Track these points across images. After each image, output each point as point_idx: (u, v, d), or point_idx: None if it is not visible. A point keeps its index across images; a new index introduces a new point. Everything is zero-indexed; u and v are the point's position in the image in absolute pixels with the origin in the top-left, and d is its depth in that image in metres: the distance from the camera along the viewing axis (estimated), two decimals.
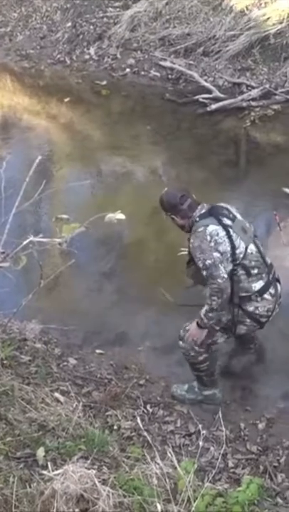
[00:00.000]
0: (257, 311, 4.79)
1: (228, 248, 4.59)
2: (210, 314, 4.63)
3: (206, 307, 4.63)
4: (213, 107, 9.64)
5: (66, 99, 10.39)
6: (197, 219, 4.67)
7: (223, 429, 4.38)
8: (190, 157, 8.74)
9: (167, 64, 10.67)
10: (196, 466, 3.84)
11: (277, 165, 8.44)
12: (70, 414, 4.40)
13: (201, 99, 9.85)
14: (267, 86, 9.92)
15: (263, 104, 9.69)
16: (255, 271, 4.73)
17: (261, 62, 10.34)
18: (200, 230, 4.61)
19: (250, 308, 4.78)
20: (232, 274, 4.66)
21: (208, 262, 4.53)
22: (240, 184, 8.04)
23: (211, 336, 4.82)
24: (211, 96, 9.86)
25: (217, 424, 4.76)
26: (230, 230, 4.62)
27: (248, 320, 4.83)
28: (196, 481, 3.85)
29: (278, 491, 4.27)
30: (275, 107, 9.67)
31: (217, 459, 4.35)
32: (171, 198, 4.81)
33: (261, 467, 4.51)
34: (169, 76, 10.62)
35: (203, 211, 4.71)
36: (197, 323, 4.75)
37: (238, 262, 4.64)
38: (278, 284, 4.91)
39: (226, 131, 9.39)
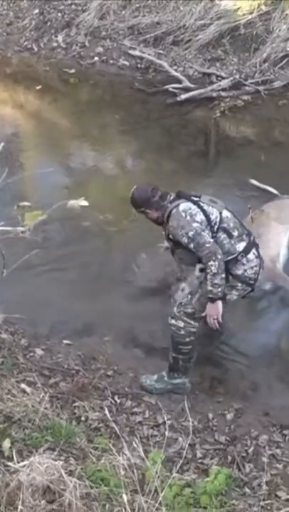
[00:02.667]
0: (246, 274, 4.95)
1: (203, 217, 4.84)
2: (215, 281, 4.74)
3: (209, 278, 4.75)
4: (183, 97, 9.63)
5: (38, 87, 10.28)
6: (168, 205, 4.93)
7: (191, 419, 4.38)
8: (159, 147, 8.72)
9: (136, 53, 10.62)
10: (163, 456, 3.85)
11: (247, 156, 8.47)
12: (36, 406, 4.37)
13: (170, 89, 9.83)
14: (237, 76, 9.93)
15: (233, 94, 9.70)
16: (236, 233, 4.94)
17: (231, 53, 10.34)
18: (173, 212, 4.88)
19: (239, 272, 4.93)
20: (214, 241, 4.82)
21: (190, 233, 4.77)
22: (210, 175, 8.06)
23: (204, 308, 4.91)
24: (180, 86, 9.84)
25: (185, 415, 4.76)
26: (200, 203, 4.91)
27: (239, 284, 4.97)
28: (163, 471, 3.86)
29: (246, 481, 4.28)
30: (245, 97, 9.68)
31: (185, 449, 4.35)
32: (142, 192, 5.07)
33: (229, 457, 4.52)
34: (138, 65, 10.57)
35: (171, 198, 4.98)
36: (210, 299, 4.82)
37: (216, 226, 4.86)
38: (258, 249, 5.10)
39: (196, 122, 9.39)
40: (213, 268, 4.71)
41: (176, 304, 5.01)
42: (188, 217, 4.81)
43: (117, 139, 8.89)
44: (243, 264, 4.92)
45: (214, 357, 5.60)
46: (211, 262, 4.71)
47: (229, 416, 4.94)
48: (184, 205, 4.87)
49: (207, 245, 4.72)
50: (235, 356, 5.59)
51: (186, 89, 9.76)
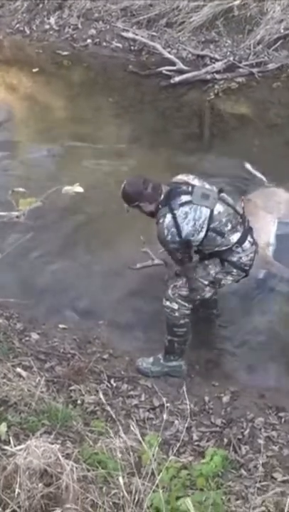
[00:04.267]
0: (241, 261, 4.94)
1: (190, 227, 4.75)
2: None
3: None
4: (177, 79, 9.57)
5: (34, 70, 10.20)
6: (160, 205, 4.85)
7: (188, 402, 4.39)
8: (153, 130, 8.68)
9: (129, 35, 10.53)
10: (160, 439, 3.85)
11: (241, 138, 8.44)
12: (32, 389, 4.38)
13: (164, 72, 9.77)
14: (231, 59, 9.85)
15: (227, 76, 9.64)
16: (228, 227, 4.86)
17: (225, 35, 10.26)
18: (160, 221, 4.80)
19: (234, 259, 4.92)
20: (205, 240, 4.81)
21: (168, 248, 4.90)
22: (204, 158, 8.01)
23: (200, 292, 4.96)
24: (174, 68, 9.77)
25: (181, 398, 4.79)
26: (187, 208, 4.74)
27: (234, 270, 4.97)
28: (160, 454, 3.87)
29: (242, 463, 4.31)
30: (239, 79, 9.63)
31: (181, 432, 4.38)
32: (134, 186, 4.96)
33: (225, 440, 4.55)
34: (132, 47, 10.49)
35: (162, 197, 4.85)
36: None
37: (205, 228, 4.76)
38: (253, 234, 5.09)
39: (190, 104, 9.34)
40: (179, 283, 4.96)
41: (171, 286, 5.01)
42: (169, 236, 4.75)
43: (111, 122, 8.85)
44: (238, 253, 4.90)
45: (210, 340, 5.61)
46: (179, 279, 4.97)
47: (225, 399, 4.96)
48: (168, 220, 4.75)
49: (182, 265, 4.92)
50: (231, 339, 5.61)
51: (180, 72, 9.70)
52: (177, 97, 9.46)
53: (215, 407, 4.89)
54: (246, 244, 4.92)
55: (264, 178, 6.96)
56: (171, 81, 9.58)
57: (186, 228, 4.73)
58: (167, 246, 4.85)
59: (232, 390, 5.05)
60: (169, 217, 4.74)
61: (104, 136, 8.54)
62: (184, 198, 4.78)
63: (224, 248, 4.86)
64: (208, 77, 9.66)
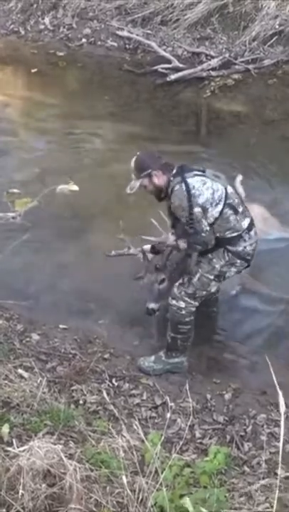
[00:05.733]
0: (245, 250, 4.94)
1: (209, 195, 4.71)
2: (189, 251, 4.94)
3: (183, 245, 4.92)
4: (173, 77, 9.60)
5: (33, 70, 10.21)
6: (172, 178, 4.77)
7: (190, 400, 4.40)
8: (150, 128, 8.70)
9: (124, 34, 10.56)
10: (163, 437, 3.86)
11: (238, 135, 8.47)
12: (34, 390, 4.38)
13: (160, 70, 9.79)
14: (226, 55, 9.89)
15: (223, 73, 9.67)
16: (241, 209, 4.89)
17: (220, 31, 10.29)
18: (176, 188, 4.71)
19: (240, 248, 4.92)
20: (220, 218, 4.77)
21: (190, 217, 4.69)
22: (201, 156, 8.02)
23: (206, 287, 4.96)
24: (170, 66, 9.80)
25: (183, 396, 4.79)
26: (204, 178, 4.75)
27: (238, 261, 4.97)
28: (163, 452, 3.88)
29: (245, 460, 4.32)
30: (235, 76, 9.66)
31: (184, 430, 4.39)
32: (148, 154, 4.97)
33: (228, 437, 4.55)
34: (127, 46, 10.51)
35: (175, 171, 4.79)
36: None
37: (222, 202, 4.76)
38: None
39: (186, 102, 9.36)
40: (194, 250, 4.87)
41: (177, 285, 5.02)
42: (191, 199, 4.65)
43: (107, 121, 8.85)
44: (245, 241, 4.91)
45: (211, 337, 5.62)
46: (198, 247, 4.84)
47: (227, 396, 4.97)
48: (189, 183, 4.67)
49: (203, 234, 4.73)
50: (232, 336, 5.62)
51: (176, 70, 9.73)
52: (173, 95, 9.48)
53: (217, 404, 4.89)
54: (252, 232, 4.96)
55: (243, 194, 6.86)
56: (167, 79, 9.61)
57: (206, 194, 4.69)
58: (189, 210, 4.66)
59: (234, 387, 5.06)
60: (186, 183, 4.67)
61: (99, 134, 8.56)
62: (197, 172, 4.79)
63: (235, 234, 4.85)
64: (204, 74, 9.69)
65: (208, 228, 4.74)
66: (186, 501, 3.25)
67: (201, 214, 4.69)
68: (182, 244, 4.95)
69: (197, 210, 4.67)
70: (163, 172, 4.80)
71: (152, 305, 5.23)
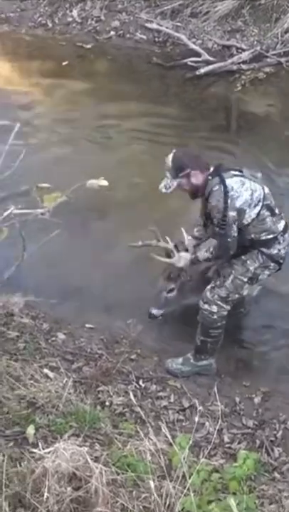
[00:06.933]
0: (280, 253, 4.94)
1: (247, 196, 4.68)
2: (208, 259, 4.96)
3: (207, 254, 4.92)
4: (202, 70, 9.55)
5: (64, 63, 10.22)
6: (210, 177, 4.73)
7: (219, 403, 4.38)
8: (178, 123, 8.65)
9: (153, 26, 10.52)
10: (190, 441, 3.85)
11: (269, 130, 8.39)
12: (60, 391, 4.40)
13: (189, 63, 9.75)
14: (258, 48, 9.83)
15: (254, 67, 9.61)
16: (277, 210, 4.88)
17: (252, 24, 10.23)
18: (215, 188, 4.67)
19: (275, 251, 4.91)
20: (256, 219, 4.75)
21: (223, 220, 4.65)
22: (231, 152, 7.97)
23: (239, 290, 4.95)
24: (199, 59, 9.75)
25: (212, 399, 4.78)
26: (243, 178, 4.72)
27: (272, 264, 4.95)
28: (191, 456, 3.88)
29: (275, 466, 4.30)
30: (267, 69, 9.60)
31: (212, 434, 4.38)
32: (186, 152, 4.95)
33: (258, 442, 4.54)
34: (156, 39, 10.49)
35: (212, 170, 4.76)
36: (192, 260, 5.08)
37: (260, 203, 4.74)
38: None
39: (216, 96, 9.31)
40: (214, 255, 4.88)
41: (209, 288, 4.99)
42: (228, 201, 4.61)
43: (136, 115, 8.83)
44: (279, 244, 4.90)
45: (239, 339, 5.60)
46: (219, 253, 4.84)
47: (257, 399, 4.95)
48: (227, 185, 4.63)
49: (228, 239, 4.70)
50: (262, 338, 5.59)
51: (206, 63, 9.68)
52: (203, 89, 9.44)
53: (246, 408, 4.88)
54: (287, 235, 4.94)
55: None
56: (197, 72, 9.56)
57: (245, 195, 4.66)
58: (224, 212, 4.62)
59: (263, 390, 5.04)
60: (224, 184, 4.63)
61: (128, 129, 8.54)
62: (235, 172, 4.76)
63: (270, 236, 4.83)
64: (235, 67, 9.64)
65: (236, 234, 4.70)
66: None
67: (234, 218, 4.65)
68: (202, 254, 4.97)
69: (232, 213, 4.63)
70: (201, 171, 4.75)
71: (155, 311, 5.35)
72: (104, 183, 3.65)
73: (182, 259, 5.13)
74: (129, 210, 6.83)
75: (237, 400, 4.93)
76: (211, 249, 4.90)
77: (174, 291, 5.34)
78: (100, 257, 6.38)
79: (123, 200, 6.93)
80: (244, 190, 4.67)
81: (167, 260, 5.22)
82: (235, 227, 4.68)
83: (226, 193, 4.62)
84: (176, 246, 5.23)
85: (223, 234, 4.69)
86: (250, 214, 4.71)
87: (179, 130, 8.45)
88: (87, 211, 6.76)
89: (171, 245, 5.23)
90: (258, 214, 4.73)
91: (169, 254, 5.24)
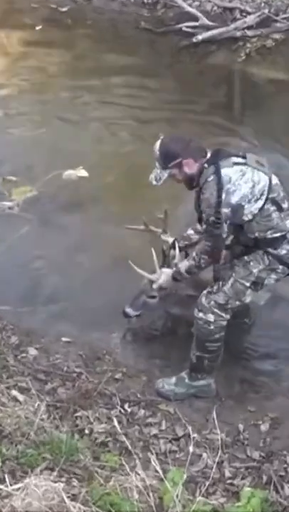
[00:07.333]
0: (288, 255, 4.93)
1: (247, 189, 4.65)
2: (193, 269, 4.99)
3: (189, 263, 4.96)
4: (200, 37, 9.62)
5: (37, 28, 10.23)
6: (206, 165, 4.70)
7: (218, 431, 4.40)
8: (172, 100, 8.71)
9: None
10: (185, 476, 3.87)
11: (278, 107, 8.45)
12: (31, 416, 4.40)
13: (184, 29, 9.80)
14: (265, 11, 9.90)
15: (262, 33, 9.69)
16: (286, 205, 4.85)
17: None
18: (210, 179, 4.65)
19: (283, 252, 4.90)
20: (259, 215, 4.74)
21: (212, 218, 4.65)
22: (234, 134, 8.03)
23: (240, 296, 4.95)
24: (196, 24, 9.83)
25: (210, 426, 4.79)
26: (244, 167, 4.69)
27: (280, 267, 4.95)
28: (185, 494, 3.88)
29: (285, 506, 4.30)
30: (276, 36, 9.69)
31: (211, 467, 4.39)
32: (176, 139, 4.86)
33: (265, 477, 4.54)
34: (145, 0, 10.52)
35: (209, 155, 4.74)
36: (173, 275, 5.16)
37: (264, 196, 4.71)
38: None
39: (216, 68, 9.38)
40: (202, 262, 4.89)
41: (205, 293, 5.00)
42: (223, 195, 4.57)
43: (122, 92, 8.87)
44: (288, 244, 4.91)
45: (243, 355, 5.62)
46: (205, 257, 4.86)
47: (264, 427, 4.96)
48: (225, 175, 4.59)
49: (219, 240, 4.73)
50: (270, 354, 5.61)
51: (204, 28, 9.74)
52: (201, 59, 9.51)
53: (251, 437, 4.89)
54: None
55: None
56: (193, 40, 9.63)
57: (244, 188, 4.64)
58: (216, 209, 4.60)
59: (272, 416, 5.04)
60: (220, 174, 4.59)
61: (112, 108, 8.56)
62: (236, 159, 4.71)
63: (278, 235, 4.83)
64: (238, 34, 9.72)
65: (224, 235, 4.73)
66: None
67: (227, 216, 4.65)
68: (184, 264, 5.03)
69: (225, 210, 4.62)
70: (195, 159, 4.73)
71: (129, 310, 5.47)
72: (84, 173, 3.68)
73: (163, 275, 5.22)
74: (112, 203, 6.87)
75: (240, 427, 4.94)
76: (195, 255, 4.91)
77: (155, 299, 5.42)
78: (77, 258, 6.40)
79: (104, 191, 6.96)
80: (243, 182, 4.66)
81: (146, 275, 5.33)
82: (225, 227, 4.69)
83: (219, 185, 4.61)
84: (176, 240, 5.33)
85: (218, 234, 4.71)
86: (251, 209, 4.70)
87: (172, 108, 8.49)
88: (61, 205, 6.79)
89: (170, 240, 5.34)
90: (261, 209, 4.73)
91: (164, 252, 5.34)
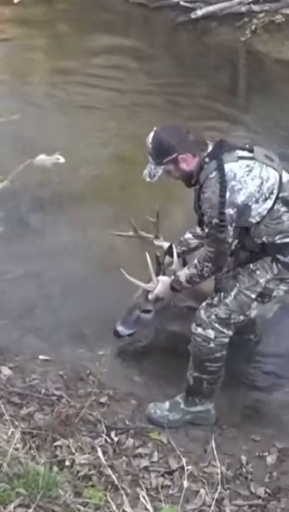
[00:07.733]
0: None
1: (254, 187, 4.66)
2: (195, 279, 4.99)
3: (190, 271, 4.98)
4: (200, 13, 9.67)
5: (15, 1, 10.25)
6: (206, 159, 4.71)
7: (218, 464, 4.42)
8: (169, 83, 8.75)
9: None
10: None
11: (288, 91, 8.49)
12: (3, 446, 4.40)
13: (182, 3, 9.84)
14: None
15: (269, 8, 9.72)
16: None
17: None
18: (212, 176, 4.65)
19: None
20: (268, 216, 4.75)
21: (216, 220, 4.65)
22: (239, 121, 8.09)
23: (245, 309, 4.95)
24: None
25: (209, 458, 4.80)
26: (251, 162, 4.70)
27: None
28: None
29: None
30: (286, 11, 9.68)
31: (209, 505, 4.40)
32: (171, 131, 4.83)
33: None
34: None
35: (211, 148, 4.75)
36: (172, 286, 5.17)
37: (274, 196, 4.72)
38: None
39: (219, 47, 9.44)
40: (205, 270, 4.88)
41: (204, 306, 5.01)
42: (227, 194, 4.58)
43: (109, 74, 8.90)
44: None
45: (247, 377, 5.63)
46: (209, 265, 4.85)
47: (270, 459, 4.97)
48: (229, 171, 4.60)
49: (223, 245, 4.74)
50: (277, 376, 5.63)
51: (204, 3, 9.76)
52: (200, 37, 9.53)
53: (256, 470, 4.89)
54: None
55: None
56: (192, 15, 9.66)
57: (251, 186, 4.65)
58: (219, 210, 4.60)
59: (279, 447, 5.05)
60: (223, 170, 4.61)
61: (98, 91, 8.59)
62: (242, 153, 4.73)
63: (287, 240, 4.84)
64: (243, 9, 9.76)
65: (230, 239, 4.74)
66: None
67: (232, 218, 4.66)
68: (184, 273, 5.05)
69: (229, 211, 4.64)
70: (193, 154, 4.75)
71: (121, 328, 5.54)
72: (60, 159, 3.69)
73: (160, 284, 5.24)
74: (98, 200, 6.88)
75: (243, 459, 4.95)
76: (197, 263, 4.92)
77: (150, 314, 5.46)
78: (57, 264, 6.40)
79: (87, 184, 6.99)
80: (250, 179, 4.67)
81: (141, 285, 5.35)
82: (230, 231, 4.71)
83: (223, 182, 4.61)
84: (170, 247, 5.35)
85: (222, 239, 4.72)
86: (258, 210, 4.71)
87: (170, 93, 8.51)
88: (39, 203, 6.79)
89: (165, 245, 5.37)
90: (270, 210, 4.74)
91: (158, 260, 5.36)
